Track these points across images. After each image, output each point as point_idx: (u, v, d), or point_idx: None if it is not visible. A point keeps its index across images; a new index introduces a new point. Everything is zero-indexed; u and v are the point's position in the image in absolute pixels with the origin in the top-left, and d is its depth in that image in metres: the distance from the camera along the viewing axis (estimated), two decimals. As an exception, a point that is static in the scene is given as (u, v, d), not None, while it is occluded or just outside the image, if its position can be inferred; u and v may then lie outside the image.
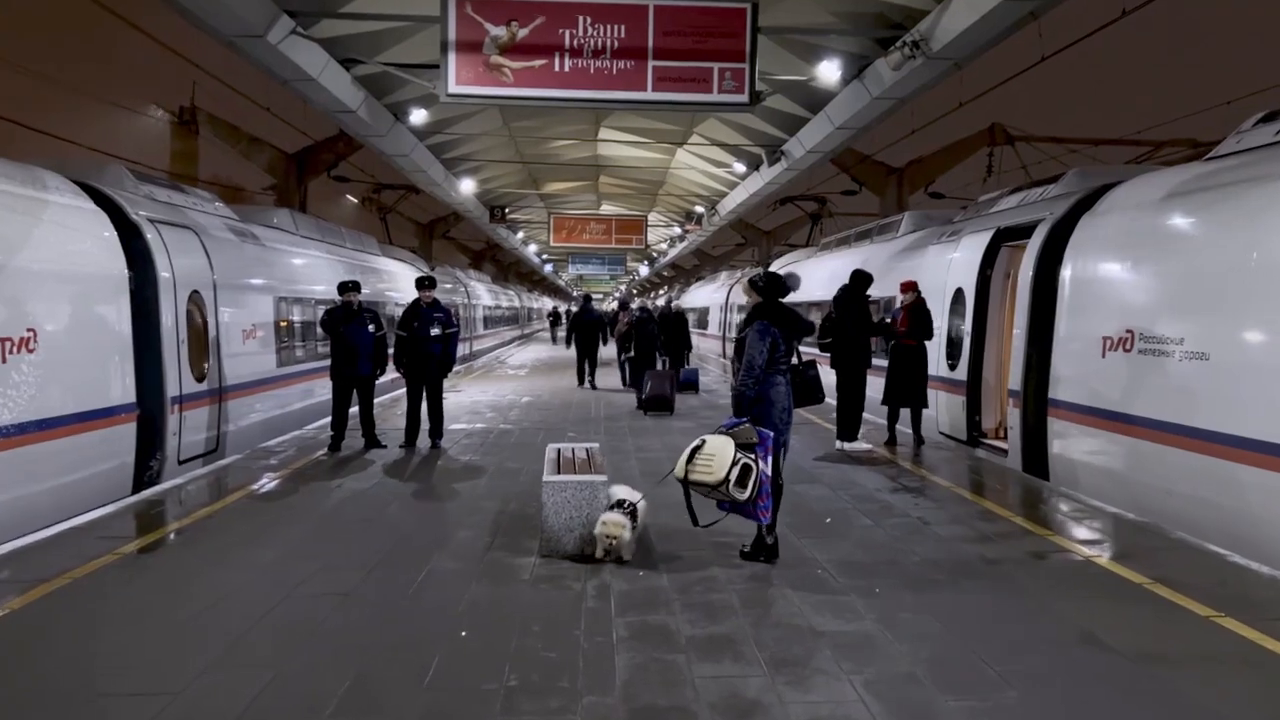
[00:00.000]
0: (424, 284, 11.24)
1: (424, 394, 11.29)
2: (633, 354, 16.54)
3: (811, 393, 6.54)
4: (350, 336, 10.95)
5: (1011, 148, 26.46)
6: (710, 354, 33.48)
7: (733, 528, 6.45)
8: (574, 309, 26.80)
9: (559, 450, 7.84)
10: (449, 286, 30.55)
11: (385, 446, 11.16)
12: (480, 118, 20.25)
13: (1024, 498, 8.48)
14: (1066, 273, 9.33)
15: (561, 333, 36.27)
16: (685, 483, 6.06)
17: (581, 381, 19.17)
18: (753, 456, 5.90)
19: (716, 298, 36.21)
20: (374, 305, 17.12)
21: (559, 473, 6.89)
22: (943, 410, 11.81)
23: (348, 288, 11.12)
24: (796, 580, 5.84)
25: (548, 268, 65.58)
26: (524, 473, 9.51)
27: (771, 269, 8.05)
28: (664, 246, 49.93)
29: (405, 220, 39.16)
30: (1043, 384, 9.59)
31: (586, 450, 7.86)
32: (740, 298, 29.95)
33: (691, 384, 17.75)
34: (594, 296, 25.85)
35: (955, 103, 20.04)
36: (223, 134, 22.41)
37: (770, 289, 6.39)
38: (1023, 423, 9.95)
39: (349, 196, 32.65)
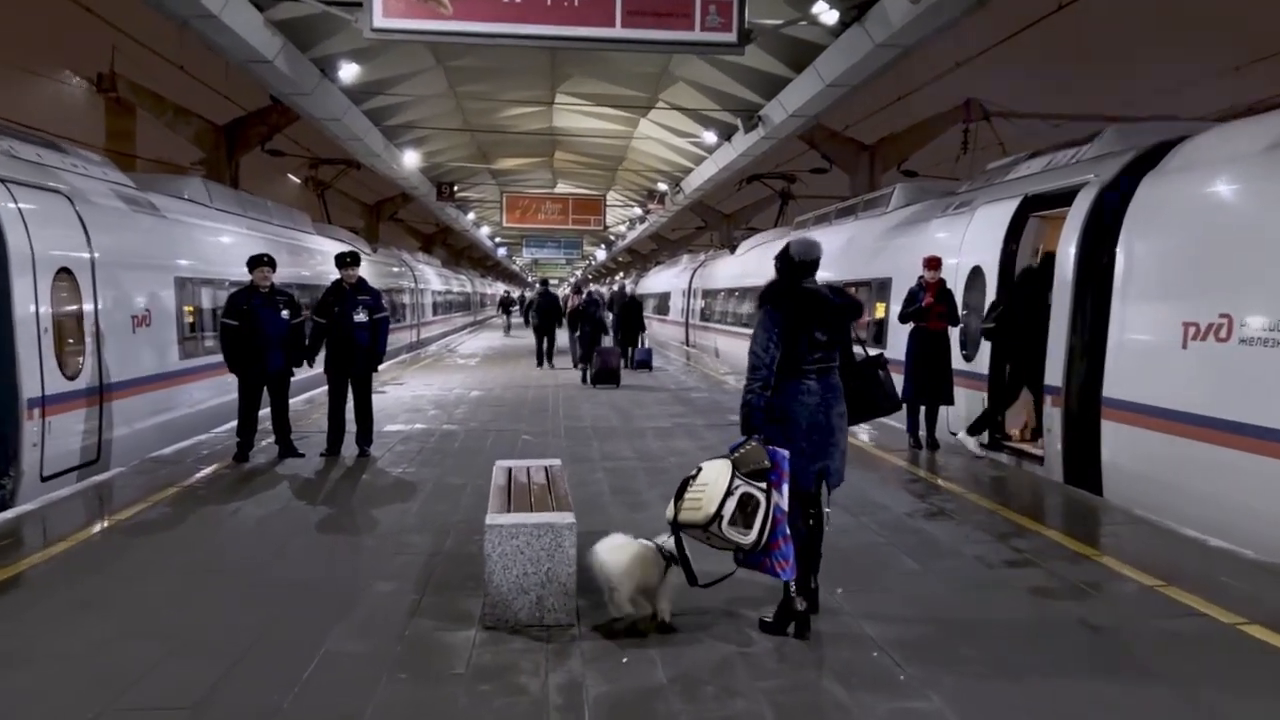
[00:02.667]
0: (346, 261, 9.36)
1: (350, 392, 9.47)
2: (579, 334, 17.36)
3: (878, 400, 4.89)
4: (260, 323, 9.06)
5: (988, 124, 25.43)
6: (672, 341, 31.78)
7: (745, 577, 4.67)
8: (528, 294, 28.20)
9: (510, 471, 6.05)
10: (395, 270, 28.57)
11: (303, 456, 9.31)
12: (423, 79, 18.19)
13: (1091, 523, 6.82)
14: (1126, 245, 7.71)
15: (514, 319, 34.44)
16: (676, 526, 4.42)
17: (541, 362, 19.64)
18: (762, 486, 4.24)
19: (678, 283, 34.47)
20: (309, 288, 15.27)
21: (509, 508, 5.11)
22: (957, 408, 10.16)
23: (260, 263, 9.21)
24: (847, 669, 4.12)
25: (501, 251, 63.38)
26: (468, 491, 7.73)
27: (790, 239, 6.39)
28: (623, 229, 48.07)
29: (349, 200, 37.11)
30: (1093, 379, 7.98)
31: (546, 471, 6.07)
32: (708, 281, 28.31)
33: (645, 363, 19.02)
34: (551, 281, 24.58)
35: (929, 76, 18.69)
36: (145, 103, 20.68)
37: (781, 265, 4.72)
38: (1065, 425, 8.34)
39: (291, 176, 30.62)
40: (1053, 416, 8.51)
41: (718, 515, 4.18)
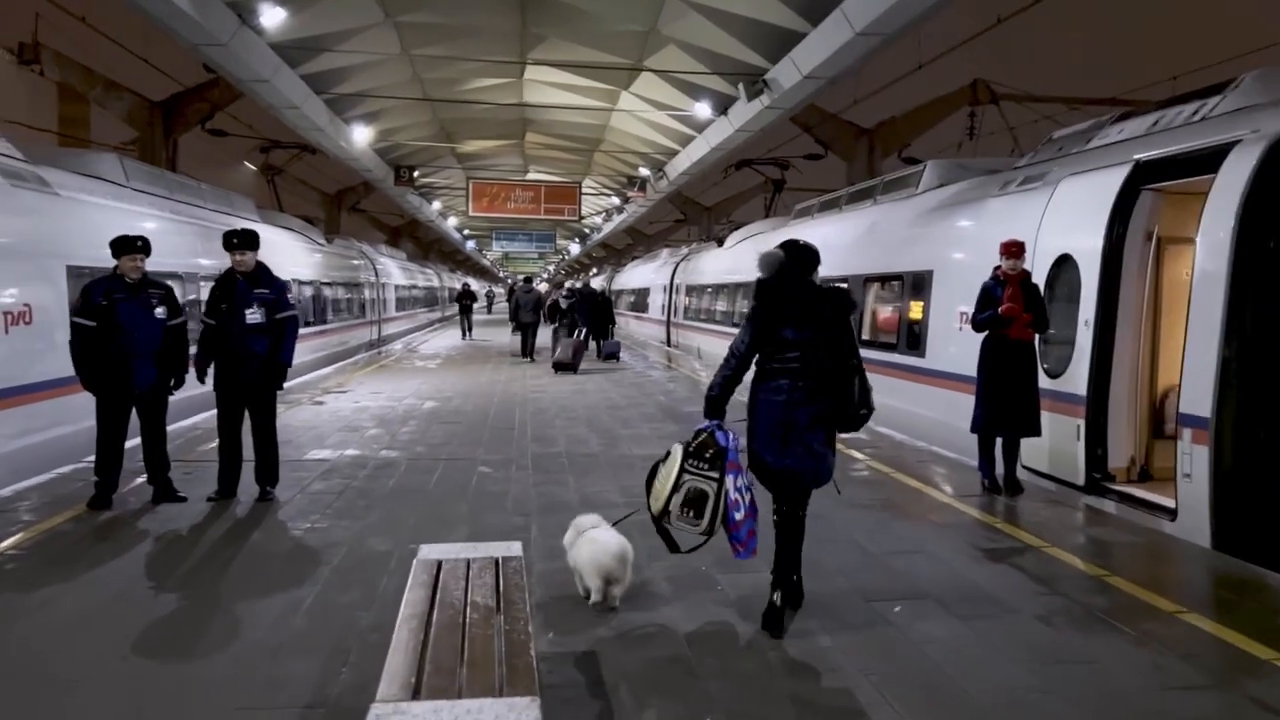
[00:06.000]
0: (235, 242, 6.99)
1: (245, 417, 7.13)
2: (554, 325, 19.57)
3: (846, 415, 4.60)
4: (124, 324, 6.69)
5: (995, 107, 23.74)
6: (652, 341, 29.45)
7: None
8: (497, 290, 29.11)
9: (437, 571, 3.71)
10: (355, 262, 26.07)
11: (184, 499, 6.99)
12: (370, 37, 15.65)
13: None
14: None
15: (474, 318, 31.88)
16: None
17: (524, 354, 20.14)
18: (714, 476, 4.38)
19: (658, 279, 32.08)
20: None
21: (421, 674, 2.75)
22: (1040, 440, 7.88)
23: (129, 246, 6.83)
24: None
25: (469, 244, 60.79)
26: (393, 564, 5.43)
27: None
28: (598, 220, 45.67)
29: (309, 189, 34.77)
30: (1265, 410, 5.76)
31: (496, 569, 3.73)
32: (693, 276, 26.03)
33: (614, 354, 20.20)
34: (529, 277, 24.20)
35: (921, 59, 16.64)
36: (72, 75, 18.95)
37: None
38: (1215, 470, 6.11)
39: (247, 164, 28.19)
40: (1196, 457, 6.27)
41: (665, 510, 4.40)
